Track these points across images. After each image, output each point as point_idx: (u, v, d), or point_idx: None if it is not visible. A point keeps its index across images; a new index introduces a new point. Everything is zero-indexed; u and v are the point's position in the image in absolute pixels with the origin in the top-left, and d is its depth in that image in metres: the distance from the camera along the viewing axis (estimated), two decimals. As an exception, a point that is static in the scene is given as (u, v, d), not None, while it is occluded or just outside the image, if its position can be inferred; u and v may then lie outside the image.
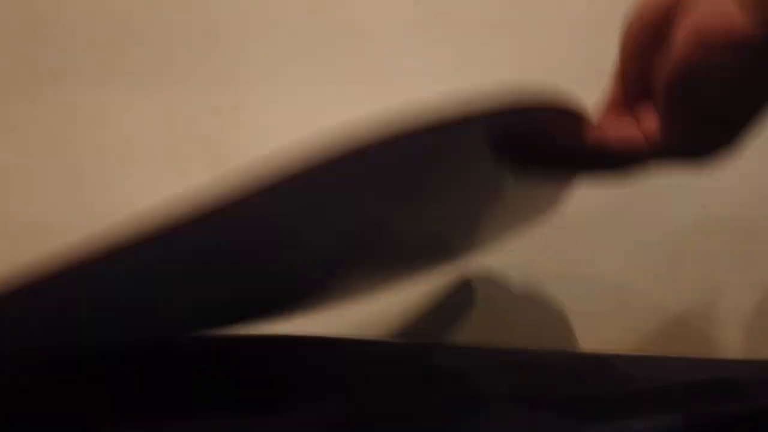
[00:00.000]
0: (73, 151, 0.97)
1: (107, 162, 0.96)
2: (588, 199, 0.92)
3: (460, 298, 0.91)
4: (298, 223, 0.40)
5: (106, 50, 0.96)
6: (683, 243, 0.85)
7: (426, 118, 0.34)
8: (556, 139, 0.48)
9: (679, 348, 0.85)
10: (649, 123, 0.49)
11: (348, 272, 0.57)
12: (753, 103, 0.44)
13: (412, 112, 0.33)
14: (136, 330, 0.49)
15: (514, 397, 0.62)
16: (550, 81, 0.87)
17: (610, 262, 0.87)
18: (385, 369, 0.72)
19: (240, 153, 0.94)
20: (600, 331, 0.88)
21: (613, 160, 0.51)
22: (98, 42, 0.96)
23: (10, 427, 0.47)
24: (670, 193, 0.85)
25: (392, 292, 0.82)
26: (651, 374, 0.71)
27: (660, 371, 0.72)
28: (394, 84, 0.90)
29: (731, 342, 0.85)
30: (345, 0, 0.91)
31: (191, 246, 0.35)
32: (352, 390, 0.63)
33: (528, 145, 0.47)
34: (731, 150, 0.48)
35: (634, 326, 0.87)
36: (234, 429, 0.49)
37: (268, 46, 0.93)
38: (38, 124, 0.98)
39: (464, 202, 0.53)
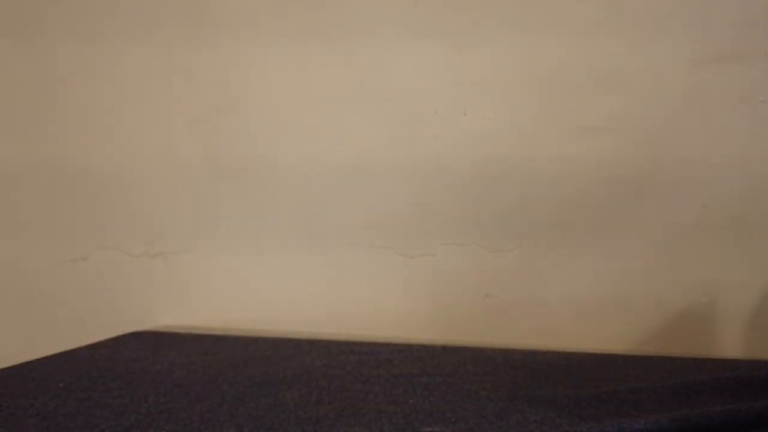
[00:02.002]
0: (75, 141, 0.98)
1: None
2: (589, 198, 0.92)
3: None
4: None
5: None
6: (683, 243, 0.85)
7: None
8: None
9: (679, 348, 0.85)
10: None
11: None
12: None
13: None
14: None
15: (513, 397, 0.62)
16: (550, 83, 0.87)
17: (610, 261, 0.87)
18: (382, 369, 0.72)
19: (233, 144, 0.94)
20: (600, 331, 0.88)
21: None
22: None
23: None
24: (670, 193, 0.85)
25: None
26: (651, 374, 0.71)
27: (660, 371, 0.72)
28: (392, 79, 0.90)
29: (731, 342, 0.85)
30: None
31: None
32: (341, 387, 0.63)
33: None
34: None
35: (634, 326, 0.87)
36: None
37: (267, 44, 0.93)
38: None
39: None
